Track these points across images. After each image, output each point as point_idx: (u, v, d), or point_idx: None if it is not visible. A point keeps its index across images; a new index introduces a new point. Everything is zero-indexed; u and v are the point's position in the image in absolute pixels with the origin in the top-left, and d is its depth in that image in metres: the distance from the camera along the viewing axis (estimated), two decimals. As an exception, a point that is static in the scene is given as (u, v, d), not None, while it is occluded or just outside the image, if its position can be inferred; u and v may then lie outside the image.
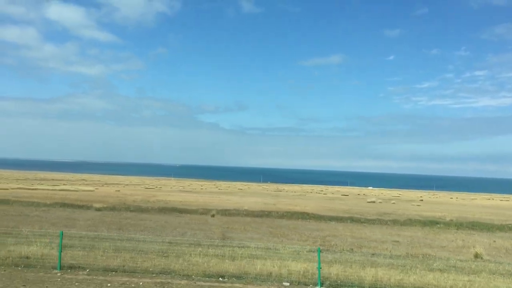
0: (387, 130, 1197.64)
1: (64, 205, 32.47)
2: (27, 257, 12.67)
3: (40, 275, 11.58)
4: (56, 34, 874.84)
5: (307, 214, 32.40)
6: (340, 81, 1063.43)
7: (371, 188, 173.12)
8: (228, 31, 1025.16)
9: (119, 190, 62.20)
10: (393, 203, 62.45)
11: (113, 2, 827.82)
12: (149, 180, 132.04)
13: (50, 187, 60.98)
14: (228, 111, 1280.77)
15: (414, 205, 59.64)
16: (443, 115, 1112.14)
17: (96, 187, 65.45)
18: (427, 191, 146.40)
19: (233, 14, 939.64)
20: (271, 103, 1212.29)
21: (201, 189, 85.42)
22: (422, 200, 75.89)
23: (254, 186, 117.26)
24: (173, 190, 72.62)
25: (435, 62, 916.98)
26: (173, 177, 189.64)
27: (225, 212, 31.98)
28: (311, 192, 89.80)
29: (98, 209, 31.65)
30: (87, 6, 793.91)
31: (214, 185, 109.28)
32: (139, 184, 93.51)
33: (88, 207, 32.07)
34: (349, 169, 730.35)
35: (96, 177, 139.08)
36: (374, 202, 61.98)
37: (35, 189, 57.66)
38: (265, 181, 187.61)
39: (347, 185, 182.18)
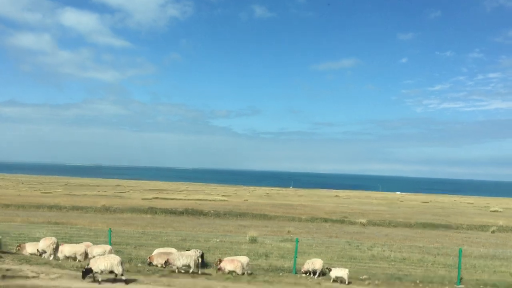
0: (400, 134, 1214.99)
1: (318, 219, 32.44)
2: None
3: None
4: (71, 40, 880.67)
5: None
6: (353, 85, 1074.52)
7: (399, 193, 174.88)
8: (241, 36, 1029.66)
9: (247, 200, 61.96)
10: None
11: (127, 8, 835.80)
12: (193, 186, 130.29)
13: (182, 196, 60.35)
14: (241, 115, 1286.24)
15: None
16: (455, 118, 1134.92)
17: (226, 197, 64.85)
18: (462, 196, 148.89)
19: (246, 19, 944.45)
20: (284, 107, 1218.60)
21: (299, 197, 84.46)
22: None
23: (315, 192, 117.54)
24: (271, 197, 72.20)
25: (448, 64, 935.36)
26: (204, 182, 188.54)
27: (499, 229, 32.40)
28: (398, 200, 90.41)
29: (364, 225, 31.79)
30: (101, 13, 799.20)
31: (267, 192, 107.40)
32: (200, 191, 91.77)
33: (352, 222, 32.14)
34: (362, 172, 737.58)
35: (132, 183, 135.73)
36: (497, 211, 63.28)
37: (173, 199, 57.00)
38: (294, 186, 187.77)
39: (378, 190, 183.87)
